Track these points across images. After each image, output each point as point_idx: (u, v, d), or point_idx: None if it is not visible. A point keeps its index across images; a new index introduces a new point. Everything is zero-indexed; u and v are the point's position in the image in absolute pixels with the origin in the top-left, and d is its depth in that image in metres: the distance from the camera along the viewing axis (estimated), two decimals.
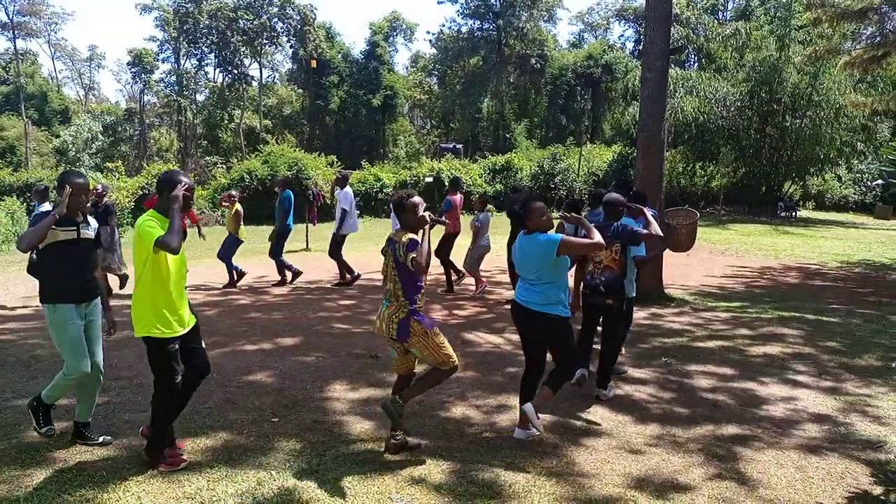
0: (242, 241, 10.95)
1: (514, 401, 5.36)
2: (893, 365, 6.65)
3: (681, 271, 12.50)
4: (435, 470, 4.07)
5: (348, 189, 10.97)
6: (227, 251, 10.81)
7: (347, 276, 10.99)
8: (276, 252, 11.02)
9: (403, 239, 4.13)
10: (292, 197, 11.31)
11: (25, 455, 4.14)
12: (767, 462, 4.31)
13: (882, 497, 3.87)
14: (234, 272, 10.84)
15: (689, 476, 4.09)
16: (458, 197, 10.59)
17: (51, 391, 4.20)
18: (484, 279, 10.59)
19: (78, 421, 4.35)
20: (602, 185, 24.52)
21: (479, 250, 10.25)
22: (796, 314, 9.24)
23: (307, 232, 17.02)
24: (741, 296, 10.99)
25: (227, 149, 50.58)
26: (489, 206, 10.98)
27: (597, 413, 5.16)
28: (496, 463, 4.20)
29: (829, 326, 8.54)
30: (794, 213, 29.99)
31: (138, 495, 3.64)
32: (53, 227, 3.94)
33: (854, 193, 37.26)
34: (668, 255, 9.60)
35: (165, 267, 3.82)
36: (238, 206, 10.98)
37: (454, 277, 10.65)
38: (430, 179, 26.40)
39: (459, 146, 37.08)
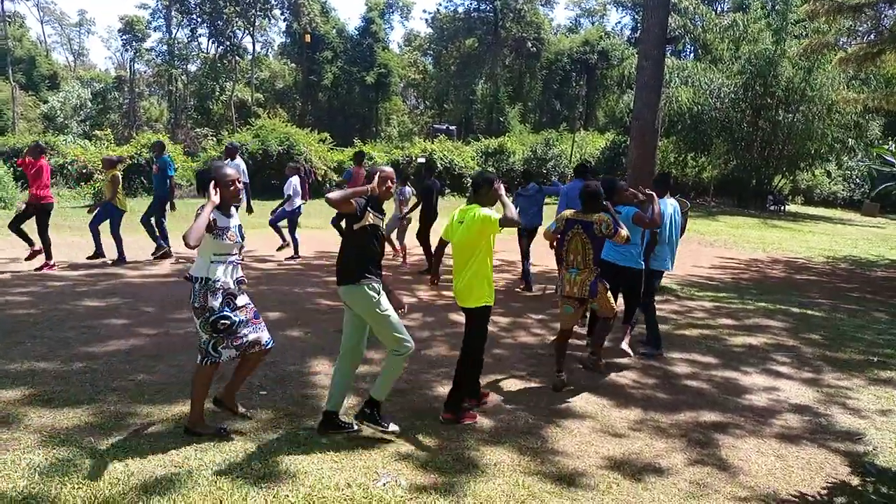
0: (125, 211, 9.99)
1: (500, 382, 5.43)
2: (875, 359, 6.75)
3: None
4: (421, 446, 4.11)
5: (240, 160, 10.82)
6: (97, 220, 9.88)
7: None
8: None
9: (605, 218, 5.22)
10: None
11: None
12: (748, 450, 4.38)
13: (860, 488, 3.95)
14: (117, 247, 9.93)
15: (670, 460, 4.15)
16: (357, 170, 11.27)
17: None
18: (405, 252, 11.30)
19: (332, 410, 4.23)
20: (594, 171, 24.53)
21: (394, 222, 10.94)
22: (781, 307, 9.34)
23: None
24: (728, 287, 11.09)
25: (217, 121, 50.00)
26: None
27: (581, 396, 5.21)
28: (481, 441, 4.25)
29: (813, 320, 8.64)
30: (783, 207, 30.20)
31: (125, 461, 3.65)
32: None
33: (843, 190, 37.56)
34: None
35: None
36: (117, 171, 10.02)
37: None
38: (422, 160, 26.28)
39: (453, 128, 36.92)
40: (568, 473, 3.90)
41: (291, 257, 11.28)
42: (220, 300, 3.87)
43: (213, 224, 3.81)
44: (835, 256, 16.33)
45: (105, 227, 9.92)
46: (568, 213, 5.53)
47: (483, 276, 4.53)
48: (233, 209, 4.05)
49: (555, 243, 6.73)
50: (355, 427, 4.21)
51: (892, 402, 5.44)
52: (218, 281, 3.87)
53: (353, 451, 3.98)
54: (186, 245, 3.63)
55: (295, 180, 11.36)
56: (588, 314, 6.26)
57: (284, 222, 11.39)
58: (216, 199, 3.84)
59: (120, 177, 10.02)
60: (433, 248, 9.88)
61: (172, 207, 10.70)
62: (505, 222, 4.37)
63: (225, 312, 3.89)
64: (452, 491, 3.60)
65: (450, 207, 10.94)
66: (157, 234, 10.52)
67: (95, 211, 10.04)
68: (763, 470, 4.10)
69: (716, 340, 7.25)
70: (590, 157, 31.67)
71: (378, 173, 4.18)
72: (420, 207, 10.67)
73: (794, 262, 14.86)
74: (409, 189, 11.35)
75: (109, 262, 9.88)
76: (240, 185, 4.05)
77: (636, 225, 5.94)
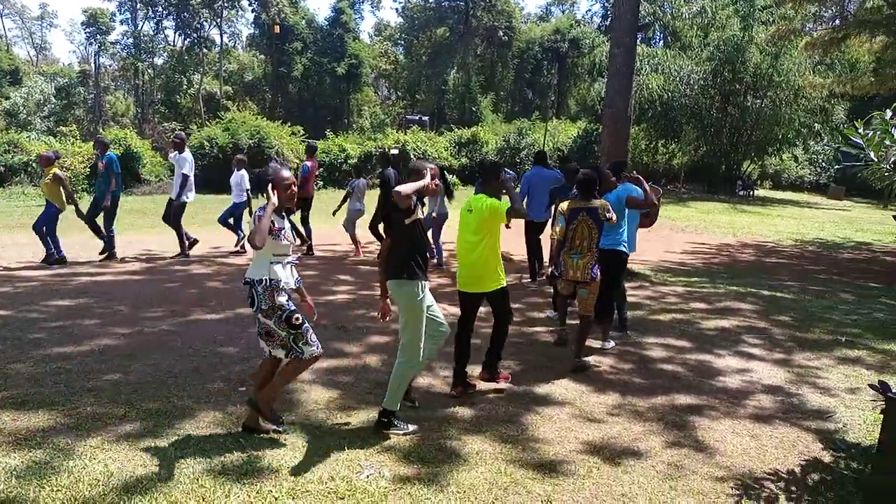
0: (62, 210, 9.58)
1: (478, 371, 5.45)
2: (843, 339, 6.92)
3: (641, 247, 12.57)
4: (403, 438, 4.13)
5: (187, 153, 10.53)
6: (45, 223, 9.46)
7: (187, 243, 10.64)
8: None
9: (606, 204, 5.58)
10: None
11: None
12: (723, 431, 4.47)
13: (832, 464, 4.06)
14: (55, 246, 9.58)
15: (648, 443, 4.23)
16: (313, 163, 11.36)
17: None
18: (361, 245, 11.34)
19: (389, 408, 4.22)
20: (566, 159, 24.67)
21: (352, 214, 11.08)
22: (752, 290, 9.52)
23: None
24: (699, 272, 11.26)
25: (185, 115, 49.25)
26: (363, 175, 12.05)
27: (559, 384, 5.27)
28: (462, 430, 4.28)
29: (783, 302, 8.82)
30: (751, 192, 30.68)
31: (104, 462, 3.62)
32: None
33: (810, 174, 38.25)
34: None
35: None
36: (56, 169, 9.58)
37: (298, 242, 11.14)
38: (395, 152, 26.15)
39: (425, 118, 36.83)
40: (549, 460, 3.95)
41: (236, 252, 11.09)
42: (286, 297, 3.94)
43: (271, 225, 3.83)
44: (802, 239, 16.66)
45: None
46: (565, 204, 5.76)
47: (493, 262, 4.73)
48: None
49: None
50: (411, 428, 4.22)
51: (860, 381, 5.58)
52: (281, 281, 3.92)
53: (335, 444, 3.99)
54: (253, 247, 3.75)
55: (243, 173, 11.24)
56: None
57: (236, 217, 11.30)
58: (276, 200, 3.87)
59: (62, 174, 9.57)
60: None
61: (111, 205, 10.01)
62: (513, 213, 4.53)
63: (293, 308, 3.95)
64: (435, 480, 3.62)
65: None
66: (98, 231, 10.10)
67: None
68: (738, 450, 4.19)
69: (689, 324, 7.37)
70: (562, 145, 31.84)
71: (431, 170, 4.24)
72: (378, 198, 10.62)
73: (763, 246, 15.13)
74: (363, 181, 11.51)
75: (44, 262, 9.48)
76: (294, 189, 4.07)
77: (632, 208, 6.38)
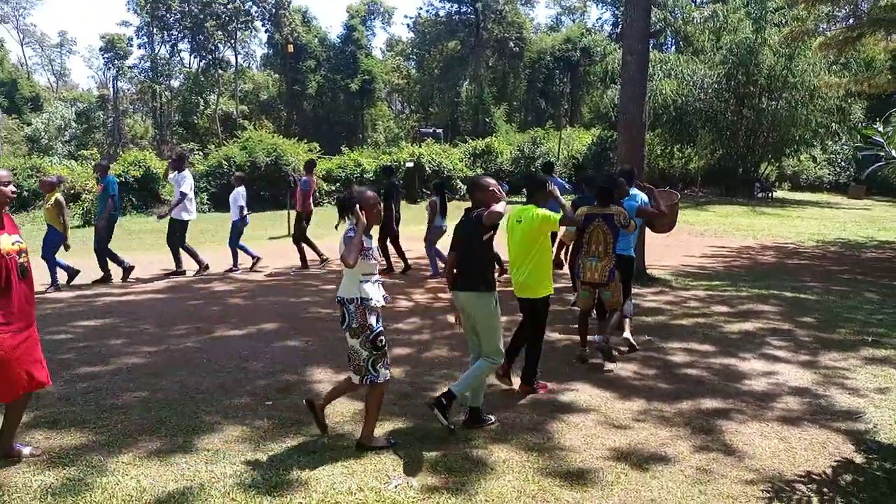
0: (65, 236, 9.25)
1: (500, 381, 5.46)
2: (869, 339, 6.84)
3: (661, 252, 12.67)
4: (429, 448, 4.14)
5: (187, 171, 10.47)
6: (49, 249, 9.26)
7: (174, 267, 10.55)
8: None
9: (623, 211, 5.79)
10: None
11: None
12: (751, 434, 4.44)
13: (864, 465, 4.02)
14: (68, 270, 9.56)
15: (676, 448, 4.20)
16: (311, 179, 11.39)
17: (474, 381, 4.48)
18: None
19: (476, 406, 4.52)
20: (582, 168, 24.67)
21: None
22: (774, 292, 9.43)
23: (289, 218, 16.92)
24: (720, 275, 11.18)
25: (203, 135, 49.90)
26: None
27: (583, 390, 5.26)
28: (488, 440, 4.29)
29: (806, 303, 8.74)
30: (770, 194, 30.41)
31: (137, 478, 3.67)
32: None
33: (829, 174, 37.84)
34: (649, 236, 9.73)
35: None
36: (58, 194, 9.30)
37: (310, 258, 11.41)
38: (410, 164, 26.36)
39: (439, 131, 37.04)
40: (576, 467, 3.94)
41: (230, 270, 10.94)
42: (375, 317, 4.03)
43: (361, 245, 3.99)
44: (824, 240, 16.49)
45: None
46: (584, 209, 5.95)
47: (544, 269, 4.99)
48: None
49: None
50: (493, 420, 4.55)
51: (888, 380, 5.51)
52: (372, 299, 4.01)
53: (362, 456, 4.01)
54: (346, 265, 3.90)
55: (241, 190, 11.22)
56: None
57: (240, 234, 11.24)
58: (365, 220, 4.00)
59: (63, 200, 9.37)
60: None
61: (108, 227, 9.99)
62: (564, 221, 4.89)
63: (381, 329, 4.07)
64: (464, 490, 3.63)
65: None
66: (114, 256, 10.02)
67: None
68: (767, 452, 4.16)
69: (712, 328, 7.32)
70: (577, 153, 31.82)
71: (492, 185, 4.55)
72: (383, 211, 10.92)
73: (784, 248, 14.99)
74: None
75: (51, 287, 9.30)
76: (380, 207, 4.23)
77: (641, 216, 6.51)
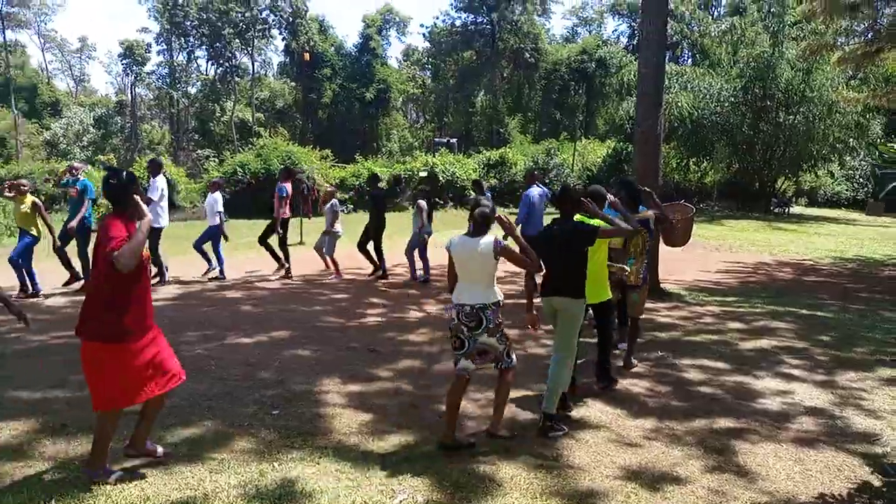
0: (39, 238, 9.15)
1: (511, 394, 5.38)
2: (887, 359, 6.71)
3: (675, 266, 12.55)
4: (436, 463, 4.09)
5: (160, 178, 10.17)
6: (22, 254, 9.00)
7: (164, 271, 10.34)
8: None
9: (650, 214, 6.09)
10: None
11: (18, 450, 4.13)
12: (765, 455, 4.35)
13: (883, 489, 3.92)
14: (29, 280, 9.12)
15: (688, 468, 4.12)
16: (289, 185, 11.18)
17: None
18: (338, 267, 11.26)
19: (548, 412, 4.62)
20: (597, 180, 24.60)
21: (335, 236, 11.16)
22: (790, 309, 9.30)
23: (301, 225, 16.96)
24: (735, 291, 11.05)
25: (218, 142, 50.28)
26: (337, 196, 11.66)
27: (594, 407, 5.18)
28: (496, 456, 4.22)
29: (823, 321, 8.60)
30: (787, 209, 30.17)
31: (141, 487, 3.64)
32: None
33: (847, 190, 37.51)
34: (664, 251, 9.63)
35: None
36: (33, 197, 9.17)
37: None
38: (424, 174, 26.39)
39: (453, 140, 37.11)
40: (585, 486, 3.87)
41: (216, 277, 10.80)
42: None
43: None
44: (841, 257, 16.28)
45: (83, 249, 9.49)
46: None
47: (601, 276, 5.27)
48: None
49: None
50: (566, 429, 4.65)
51: None
52: (501, 299, 4.35)
53: (368, 469, 3.97)
54: (534, 270, 4.40)
55: (217, 196, 11.04)
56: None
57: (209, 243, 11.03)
58: (510, 229, 4.35)
59: (40, 203, 9.23)
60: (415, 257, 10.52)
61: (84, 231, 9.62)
62: (610, 233, 5.02)
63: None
64: None
65: (452, 221, 11.05)
66: (67, 260, 9.56)
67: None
68: (781, 474, 4.07)
69: (726, 345, 7.22)
70: (592, 165, 31.74)
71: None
72: (369, 218, 11.26)
73: (800, 264, 14.81)
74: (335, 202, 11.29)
75: (20, 295, 8.90)
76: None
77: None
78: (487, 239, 4.20)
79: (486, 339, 4.24)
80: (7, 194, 9.07)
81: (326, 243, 11.18)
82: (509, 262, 4.30)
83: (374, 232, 11.10)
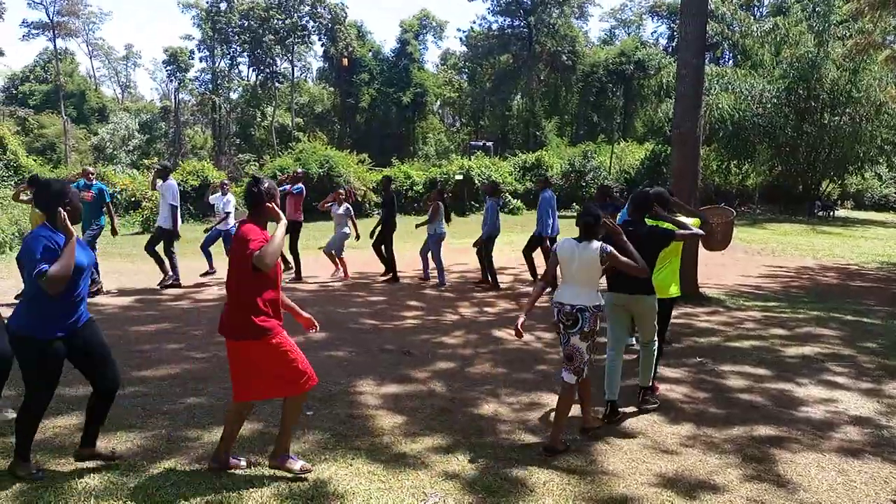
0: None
1: (545, 398, 5.35)
2: None
3: (716, 271, 12.32)
4: (468, 466, 4.08)
5: (172, 181, 10.19)
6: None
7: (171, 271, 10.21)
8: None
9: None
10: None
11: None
12: (807, 465, 4.23)
13: None
14: None
15: (726, 477, 4.03)
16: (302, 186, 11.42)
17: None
18: (346, 267, 11.46)
19: (614, 399, 4.94)
20: (635, 182, 24.31)
21: (343, 237, 11.29)
22: (835, 315, 9.04)
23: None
24: (777, 296, 10.79)
25: (259, 146, 51.17)
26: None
27: (630, 413, 5.10)
28: (528, 460, 4.19)
29: (870, 328, 8.34)
30: (831, 213, 29.37)
31: (177, 484, 3.71)
32: None
33: (895, 192, 36.34)
34: (703, 255, 9.46)
35: None
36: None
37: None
38: (459, 177, 26.42)
39: (489, 144, 37.06)
40: (619, 493, 3.82)
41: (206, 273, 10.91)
42: None
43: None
44: (889, 261, 15.77)
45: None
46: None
47: (675, 273, 5.55)
48: None
49: None
50: (658, 402, 5.13)
51: None
52: (601, 305, 4.46)
53: (400, 471, 3.97)
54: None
55: (231, 198, 10.97)
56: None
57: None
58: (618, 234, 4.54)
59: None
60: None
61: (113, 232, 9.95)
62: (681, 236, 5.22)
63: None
64: None
65: (477, 222, 11.01)
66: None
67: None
68: (824, 485, 3.95)
69: (768, 351, 7.04)
70: (630, 167, 31.38)
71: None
72: (381, 219, 11.37)
73: (846, 269, 14.39)
74: (346, 206, 11.31)
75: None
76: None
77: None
78: (595, 244, 4.35)
79: (578, 342, 4.33)
80: (23, 197, 8.93)
81: (336, 243, 11.29)
82: (616, 266, 4.47)
83: (385, 233, 11.17)
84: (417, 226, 11.24)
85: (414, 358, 6.49)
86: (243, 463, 3.95)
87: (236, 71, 56.56)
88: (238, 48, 53.26)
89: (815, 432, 4.78)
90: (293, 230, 10.77)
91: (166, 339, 7.06)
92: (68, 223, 3.58)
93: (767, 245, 18.13)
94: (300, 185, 11.29)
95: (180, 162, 36.23)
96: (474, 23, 55.41)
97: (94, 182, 9.61)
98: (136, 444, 4.26)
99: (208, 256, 11.04)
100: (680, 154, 10.02)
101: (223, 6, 50.70)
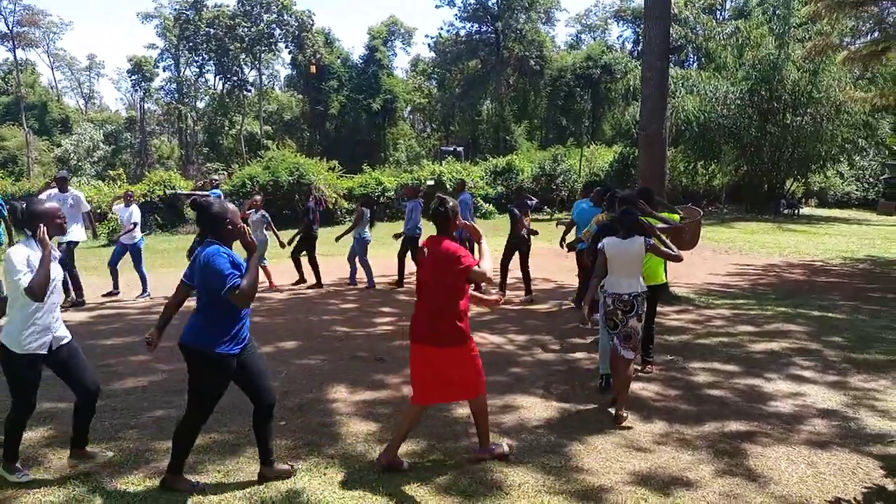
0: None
1: (519, 400, 5.35)
2: None
3: (685, 270, 12.47)
4: (443, 470, 4.06)
5: (74, 192, 9.83)
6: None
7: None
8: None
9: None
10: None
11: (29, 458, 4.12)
12: (777, 458, 4.28)
13: None
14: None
15: (698, 473, 4.07)
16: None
17: None
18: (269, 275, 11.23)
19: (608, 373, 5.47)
20: (604, 185, 24.51)
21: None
22: (801, 310, 9.21)
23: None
24: (745, 293, 10.96)
25: (228, 155, 50.61)
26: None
27: (603, 412, 5.13)
28: (504, 462, 4.18)
29: (835, 322, 8.51)
30: (796, 211, 29.98)
31: (145, 499, 3.63)
32: None
33: (856, 190, 37.25)
34: None
35: None
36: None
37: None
38: (431, 183, 26.39)
39: (460, 149, 37.12)
40: (594, 491, 3.83)
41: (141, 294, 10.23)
42: None
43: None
44: (853, 257, 16.13)
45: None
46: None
47: (661, 262, 5.98)
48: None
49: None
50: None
51: None
52: (647, 291, 5.17)
53: (376, 479, 3.94)
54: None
55: (135, 209, 10.25)
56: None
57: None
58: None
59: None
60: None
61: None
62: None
63: None
64: None
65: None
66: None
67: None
68: (794, 478, 4.01)
69: (737, 347, 7.14)
70: (599, 170, 31.67)
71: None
72: (303, 228, 11.36)
73: (811, 266, 14.69)
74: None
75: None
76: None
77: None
78: (638, 240, 4.97)
79: (634, 323, 4.96)
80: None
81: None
82: (656, 256, 5.26)
83: (307, 242, 11.28)
84: (338, 238, 11.23)
85: (386, 364, 6.44)
86: (405, 464, 4.09)
87: (203, 80, 55.98)
88: (205, 56, 52.70)
89: (785, 426, 4.85)
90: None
91: (133, 352, 6.92)
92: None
93: (735, 244, 18.43)
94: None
95: (147, 172, 35.70)
96: (442, 29, 55.73)
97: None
98: (103, 457, 4.16)
99: (114, 275, 10.30)
100: (647, 156, 10.14)
101: (190, 14, 50.14)
